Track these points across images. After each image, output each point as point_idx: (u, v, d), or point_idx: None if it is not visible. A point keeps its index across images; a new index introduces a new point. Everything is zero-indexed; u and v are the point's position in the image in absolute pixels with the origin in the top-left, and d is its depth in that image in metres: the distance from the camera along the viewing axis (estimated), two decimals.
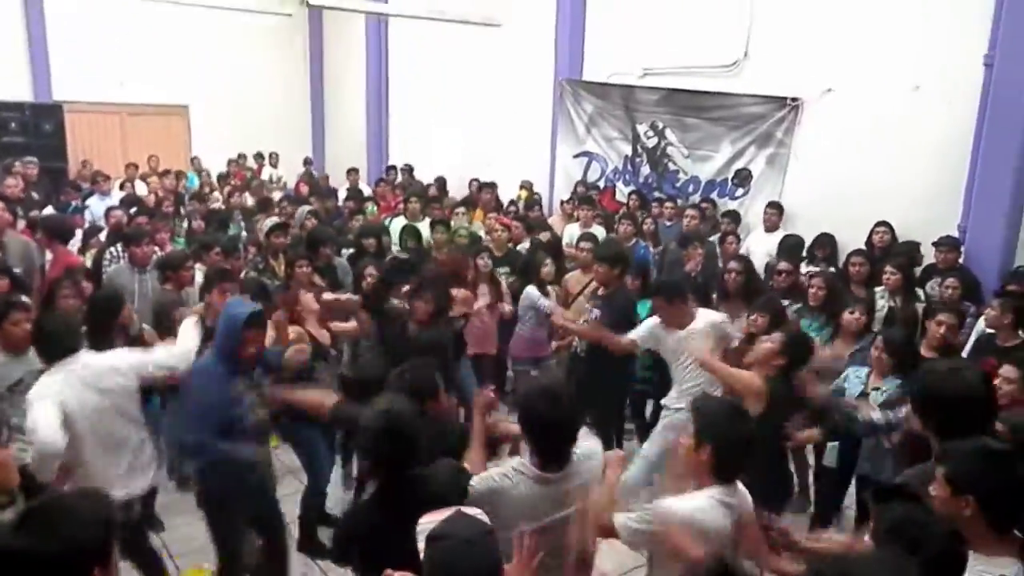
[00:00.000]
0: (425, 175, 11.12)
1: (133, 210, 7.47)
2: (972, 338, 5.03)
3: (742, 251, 6.83)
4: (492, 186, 9.39)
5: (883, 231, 6.57)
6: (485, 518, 1.92)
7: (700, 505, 2.35)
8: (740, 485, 2.49)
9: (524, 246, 6.90)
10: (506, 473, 2.45)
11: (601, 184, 9.39)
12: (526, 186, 9.68)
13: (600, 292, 5.16)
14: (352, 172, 11.37)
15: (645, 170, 9.01)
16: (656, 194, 8.67)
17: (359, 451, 2.69)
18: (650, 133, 8.85)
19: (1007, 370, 3.42)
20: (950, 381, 2.56)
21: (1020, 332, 4.55)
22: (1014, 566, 1.95)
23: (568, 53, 9.62)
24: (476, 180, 10.05)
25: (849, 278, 5.91)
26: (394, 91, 12.99)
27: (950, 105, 6.43)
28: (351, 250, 6.52)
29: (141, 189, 10.25)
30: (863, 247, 6.35)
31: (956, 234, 6.29)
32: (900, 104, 6.79)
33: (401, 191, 9.78)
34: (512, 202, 9.07)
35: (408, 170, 11.43)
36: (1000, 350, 4.47)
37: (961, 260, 6.12)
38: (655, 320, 4.50)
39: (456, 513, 1.89)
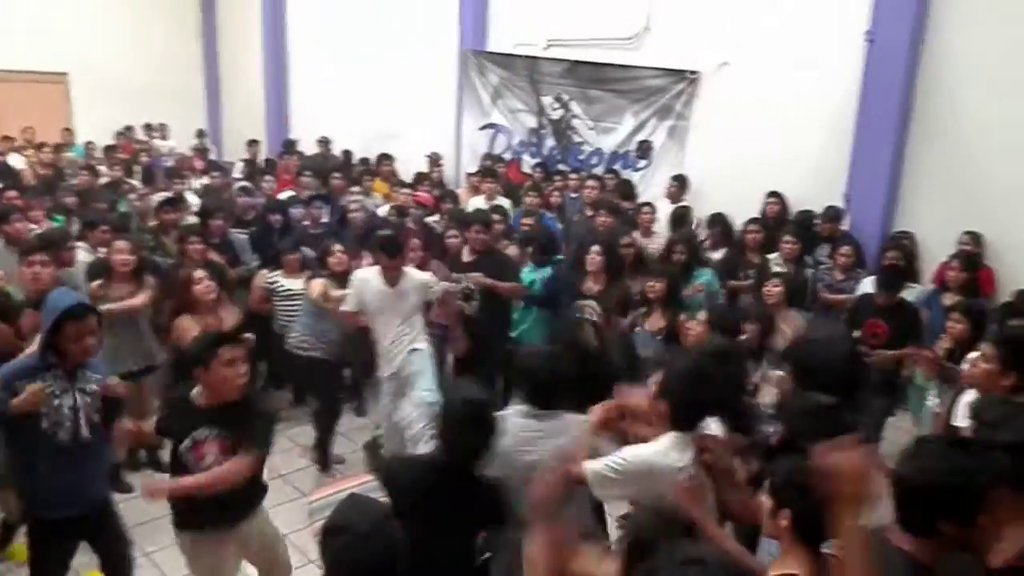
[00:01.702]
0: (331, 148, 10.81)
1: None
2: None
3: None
4: (389, 158, 9.21)
5: (774, 201, 6.89)
6: (379, 499, 1.88)
7: (659, 448, 2.49)
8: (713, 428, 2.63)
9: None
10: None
11: (507, 156, 9.37)
12: (433, 158, 9.53)
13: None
14: (252, 144, 10.92)
15: (550, 142, 9.05)
16: (561, 166, 8.74)
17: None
18: (555, 105, 8.88)
19: (985, 347, 3.21)
20: (825, 349, 2.70)
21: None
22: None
23: (472, 22, 9.50)
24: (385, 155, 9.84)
25: (745, 245, 6.16)
26: (295, 61, 12.52)
27: (835, 79, 6.72)
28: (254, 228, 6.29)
29: (17, 162, 9.51)
30: (758, 216, 6.62)
31: (842, 202, 6.64)
32: (790, 78, 7.05)
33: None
34: (422, 175, 8.93)
35: (324, 142, 11.06)
36: (879, 308, 4.78)
37: (847, 227, 6.51)
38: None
39: (349, 499, 1.84)
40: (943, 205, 6.32)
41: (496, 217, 5.94)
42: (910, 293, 5.08)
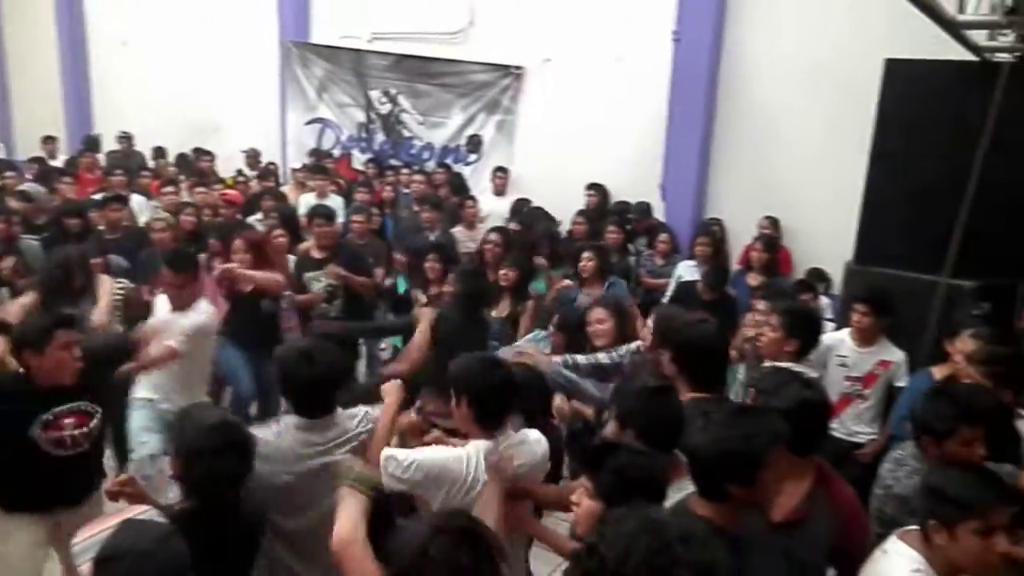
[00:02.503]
0: (142, 145, 9.98)
1: None
2: (671, 287, 5.68)
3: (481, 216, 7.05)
4: (208, 154, 8.68)
5: (592, 193, 7.22)
6: (159, 521, 1.74)
7: (457, 455, 2.31)
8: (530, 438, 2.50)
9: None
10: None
11: (336, 152, 9.12)
12: (251, 155, 9.06)
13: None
14: (48, 141, 9.87)
15: (380, 137, 8.91)
16: (393, 161, 8.64)
17: None
18: (383, 99, 8.76)
19: (772, 318, 3.37)
20: (696, 331, 2.77)
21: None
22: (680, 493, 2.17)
23: (293, 13, 9.15)
24: (201, 150, 9.23)
25: (573, 236, 6.41)
26: (97, 51, 11.44)
27: (648, 77, 7.10)
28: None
29: None
30: (584, 208, 6.92)
31: (659, 192, 7.07)
32: (607, 75, 7.38)
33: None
34: (240, 172, 8.47)
35: (125, 138, 10.16)
36: (704, 303, 5.10)
37: (664, 216, 6.96)
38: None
39: (124, 524, 1.69)
40: (745, 193, 6.88)
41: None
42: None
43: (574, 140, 7.57)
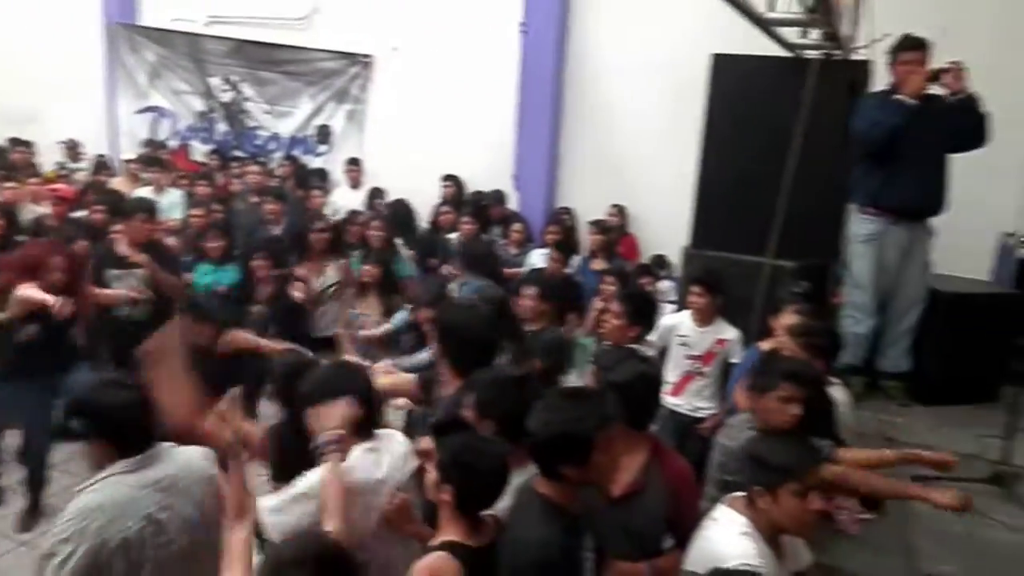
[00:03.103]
0: None
1: None
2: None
3: (328, 209, 6.85)
4: (25, 144, 7.86)
5: (449, 184, 7.19)
6: None
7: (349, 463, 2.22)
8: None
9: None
10: None
11: (174, 143, 8.54)
12: (70, 145, 8.29)
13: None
14: None
15: (222, 127, 8.44)
16: (237, 152, 8.20)
17: None
18: (224, 87, 8.29)
19: (614, 304, 3.48)
20: (464, 315, 2.78)
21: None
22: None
23: None
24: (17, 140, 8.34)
25: (438, 226, 6.39)
26: None
27: (498, 68, 7.14)
28: None
29: None
30: (442, 199, 6.90)
31: (511, 183, 7.15)
32: (458, 65, 7.36)
33: None
34: (62, 164, 7.74)
35: None
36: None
37: (518, 206, 7.04)
38: None
39: None
40: (594, 182, 7.08)
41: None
42: (570, 264, 5.61)
43: (427, 130, 7.50)
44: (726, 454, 2.65)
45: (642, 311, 3.39)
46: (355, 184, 7.46)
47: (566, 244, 5.72)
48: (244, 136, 8.35)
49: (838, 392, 3.16)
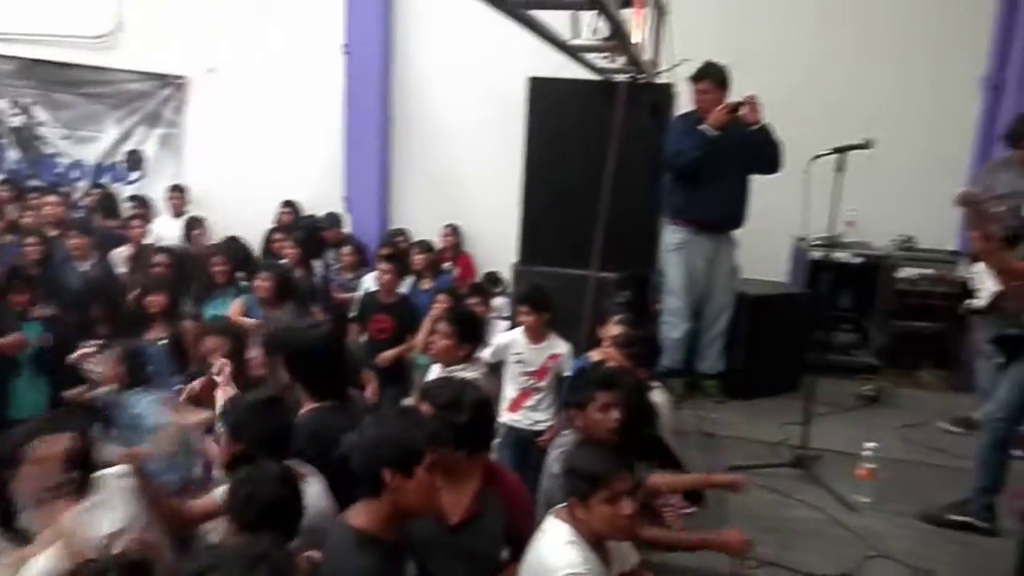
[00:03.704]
0: None
1: None
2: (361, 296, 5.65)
3: (151, 238, 6.40)
4: None
5: (287, 211, 6.97)
6: None
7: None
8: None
9: None
10: None
11: None
12: None
13: None
14: None
15: (14, 154, 7.61)
16: (35, 182, 7.43)
17: None
18: (14, 110, 7.50)
19: (441, 325, 3.47)
20: (307, 335, 2.73)
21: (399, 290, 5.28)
22: None
23: None
24: None
25: (274, 254, 6.10)
26: None
27: (323, 89, 7.00)
28: None
29: None
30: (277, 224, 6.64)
31: (343, 205, 7.02)
32: (283, 87, 7.14)
33: None
34: None
35: None
36: (383, 305, 5.14)
37: (350, 228, 6.91)
38: None
39: None
40: (428, 202, 7.11)
41: None
42: (403, 286, 5.56)
43: (253, 154, 7.20)
44: (552, 477, 2.73)
45: (470, 329, 3.44)
46: (178, 212, 7.00)
47: (397, 260, 5.68)
48: (41, 164, 7.59)
49: (659, 396, 3.34)
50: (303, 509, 2.02)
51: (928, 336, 5.32)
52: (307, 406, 2.62)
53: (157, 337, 4.18)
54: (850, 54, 6.06)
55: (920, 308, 5.34)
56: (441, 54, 6.89)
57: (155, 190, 7.36)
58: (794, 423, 3.96)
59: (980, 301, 3.76)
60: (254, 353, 3.31)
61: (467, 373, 3.19)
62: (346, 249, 6.23)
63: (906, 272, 5.42)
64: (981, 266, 3.57)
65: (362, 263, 6.27)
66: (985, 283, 3.57)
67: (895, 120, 5.65)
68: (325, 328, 2.85)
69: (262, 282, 4.49)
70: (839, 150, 3.57)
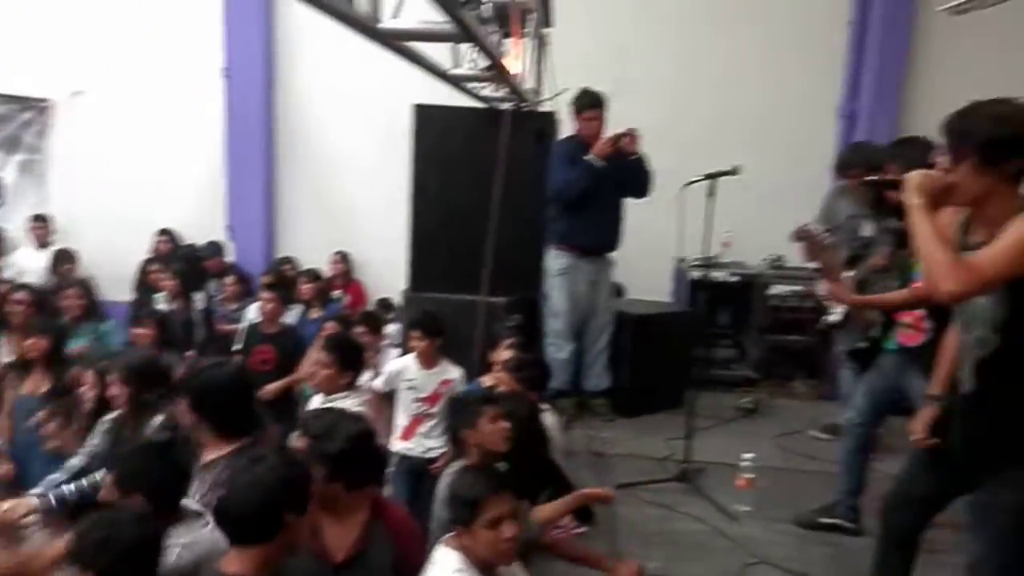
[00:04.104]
0: None
1: None
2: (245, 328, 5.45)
3: (10, 272, 5.94)
4: None
5: (164, 239, 6.65)
6: None
7: None
8: None
9: None
10: None
11: None
12: None
13: None
14: None
15: None
16: None
17: None
18: None
19: (320, 354, 3.42)
20: (212, 374, 2.61)
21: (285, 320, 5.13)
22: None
23: None
24: None
25: (150, 286, 5.79)
26: None
27: (202, 113, 6.75)
28: None
29: None
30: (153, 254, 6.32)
31: (226, 234, 6.77)
32: (158, 111, 6.82)
33: None
34: None
35: None
36: (266, 336, 4.97)
37: (233, 258, 6.67)
38: None
39: None
40: (316, 229, 6.96)
41: None
42: (290, 315, 5.42)
43: (126, 181, 6.83)
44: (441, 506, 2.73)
45: (350, 357, 3.41)
46: (42, 243, 6.54)
47: (281, 287, 5.52)
48: None
49: (549, 418, 3.40)
50: (162, 551, 1.89)
51: (799, 349, 5.67)
52: (212, 449, 2.50)
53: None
54: (718, 86, 6.44)
55: (791, 323, 5.70)
56: (328, 78, 6.80)
57: (14, 220, 6.85)
58: (678, 438, 4.12)
59: (836, 316, 4.14)
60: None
61: (348, 402, 3.14)
62: (229, 279, 6.01)
63: (777, 289, 5.77)
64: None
65: (247, 293, 6.06)
66: None
67: (762, 147, 6.04)
68: (233, 366, 2.73)
69: (142, 330, 4.26)
70: (709, 176, 3.76)
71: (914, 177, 2.03)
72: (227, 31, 6.60)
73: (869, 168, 3.56)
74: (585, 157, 4.49)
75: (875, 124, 6.08)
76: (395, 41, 2.38)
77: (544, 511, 2.79)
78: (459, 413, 2.72)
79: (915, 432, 2.49)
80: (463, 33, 2.05)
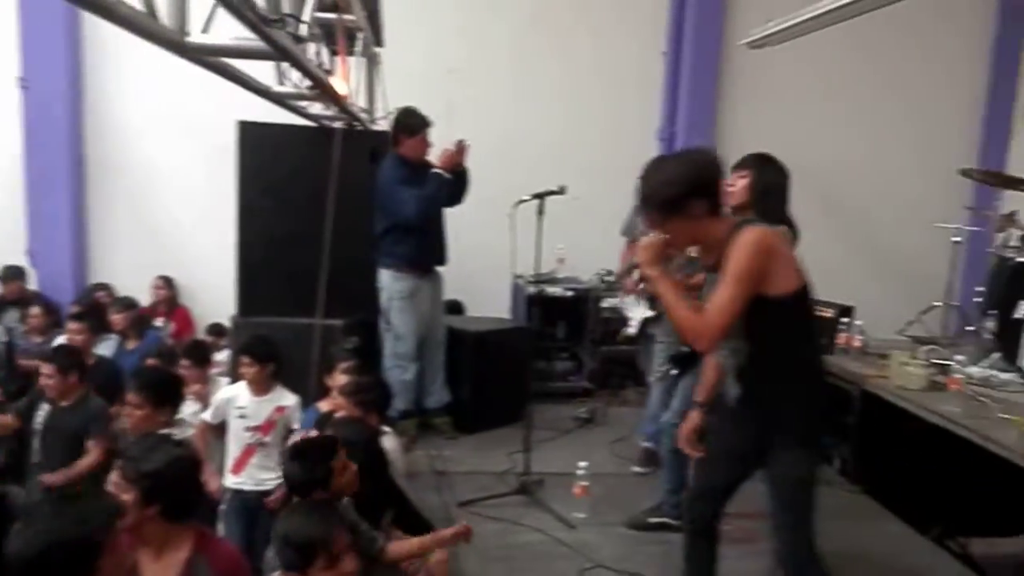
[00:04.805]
0: None
1: None
2: None
3: None
4: None
5: None
6: None
7: None
8: None
9: None
10: None
11: None
12: None
13: None
14: None
15: None
16: None
17: None
18: None
19: (130, 396, 3.20)
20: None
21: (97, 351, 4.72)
22: None
23: None
24: None
25: None
26: None
27: None
28: None
29: None
30: None
31: (27, 259, 6.13)
32: None
33: None
34: None
35: None
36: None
37: (36, 286, 6.05)
38: None
39: None
40: (136, 253, 6.46)
41: None
42: (105, 346, 5.00)
43: None
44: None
45: (163, 393, 3.22)
46: None
47: (92, 317, 5.09)
48: None
49: (389, 441, 3.35)
50: None
51: (628, 358, 5.97)
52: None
53: None
54: (551, 108, 6.72)
55: (620, 333, 5.99)
56: (145, 88, 6.31)
57: None
58: (519, 451, 4.20)
59: (632, 329, 4.45)
60: None
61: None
62: (34, 310, 5.49)
63: (609, 302, 6.05)
64: (630, 298, 4.23)
65: (54, 324, 5.54)
66: (635, 312, 4.25)
67: (592, 168, 6.35)
68: (182, 449, 2.45)
69: None
70: (538, 196, 3.89)
71: (641, 251, 2.34)
72: (24, 37, 5.99)
73: None
74: (433, 171, 4.50)
75: (691, 145, 6.58)
76: (206, 58, 2.27)
77: (397, 551, 2.73)
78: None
79: (683, 436, 2.76)
80: (277, 52, 1.99)
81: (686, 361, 3.66)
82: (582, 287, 6.05)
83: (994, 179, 5.41)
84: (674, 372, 3.82)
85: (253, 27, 1.73)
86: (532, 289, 5.58)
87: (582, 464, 3.93)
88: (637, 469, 4.48)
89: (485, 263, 5.43)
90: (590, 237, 6.06)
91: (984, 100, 7.24)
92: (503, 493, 3.97)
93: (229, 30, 2.11)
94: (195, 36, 1.99)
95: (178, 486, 2.22)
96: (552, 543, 3.59)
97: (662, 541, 3.65)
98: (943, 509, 3.91)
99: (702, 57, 6.69)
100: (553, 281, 5.94)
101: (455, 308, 6.14)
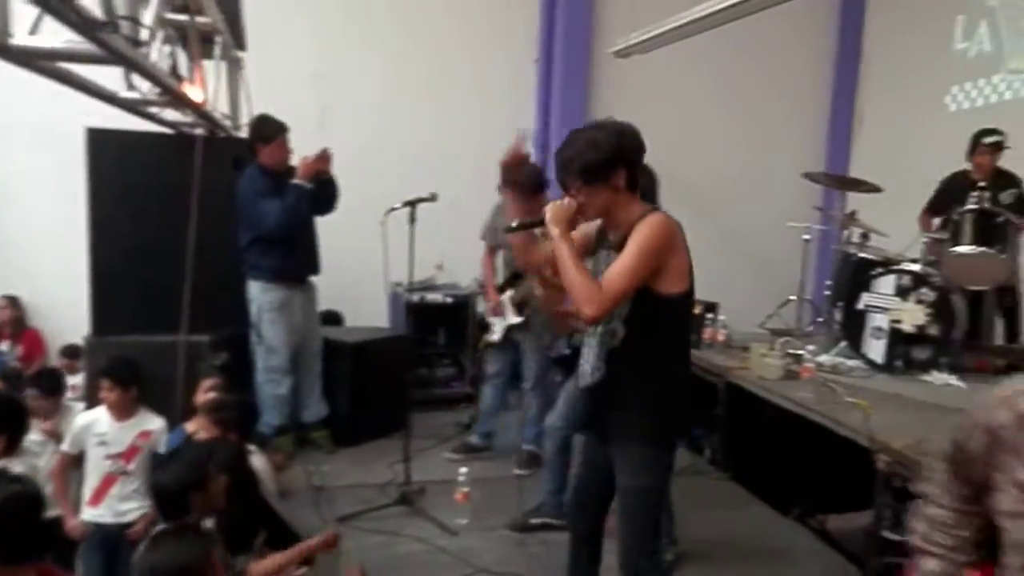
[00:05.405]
0: None
1: None
2: None
3: None
4: None
5: None
6: None
7: None
8: None
9: None
10: None
11: None
12: None
13: None
14: None
15: None
16: None
17: None
18: None
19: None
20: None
21: None
22: None
23: None
24: None
25: None
26: None
27: None
28: None
29: None
30: None
31: None
32: None
33: None
34: None
35: None
36: None
37: None
38: None
39: None
40: None
41: None
42: None
43: None
44: None
45: (5, 417, 2.99)
46: None
47: None
48: None
49: (257, 460, 3.24)
50: None
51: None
52: None
53: None
54: (426, 115, 6.69)
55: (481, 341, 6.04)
56: None
57: None
58: (400, 461, 4.15)
59: (495, 336, 4.54)
60: None
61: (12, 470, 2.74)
62: None
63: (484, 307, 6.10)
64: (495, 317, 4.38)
65: None
66: (506, 317, 4.42)
67: (469, 174, 6.35)
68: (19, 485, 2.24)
69: None
70: (409, 203, 3.86)
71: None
72: None
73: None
74: (293, 181, 4.35)
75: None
76: (37, 62, 2.10)
77: (261, 568, 2.63)
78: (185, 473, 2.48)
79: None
80: (112, 56, 1.87)
81: (568, 363, 3.74)
82: (461, 293, 6.06)
83: (833, 181, 5.88)
84: (558, 378, 3.90)
85: (79, 30, 1.62)
86: (412, 297, 5.53)
87: (463, 470, 3.93)
88: (519, 472, 4.52)
89: (362, 272, 5.32)
90: (466, 243, 6.05)
91: (828, 108, 7.83)
92: (383, 505, 3.91)
93: (63, 33, 1.98)
94: (20, 38, 1.84)
95: (12, 527, 2.07)
96: (434, 552, 3.57)
97: (544, 542, 3.70)
98: (802, 490, 4.17)
99: (572, 65, 6.86)
100: (432, 288, 5.92)
101: (334, 319, 6.00)
